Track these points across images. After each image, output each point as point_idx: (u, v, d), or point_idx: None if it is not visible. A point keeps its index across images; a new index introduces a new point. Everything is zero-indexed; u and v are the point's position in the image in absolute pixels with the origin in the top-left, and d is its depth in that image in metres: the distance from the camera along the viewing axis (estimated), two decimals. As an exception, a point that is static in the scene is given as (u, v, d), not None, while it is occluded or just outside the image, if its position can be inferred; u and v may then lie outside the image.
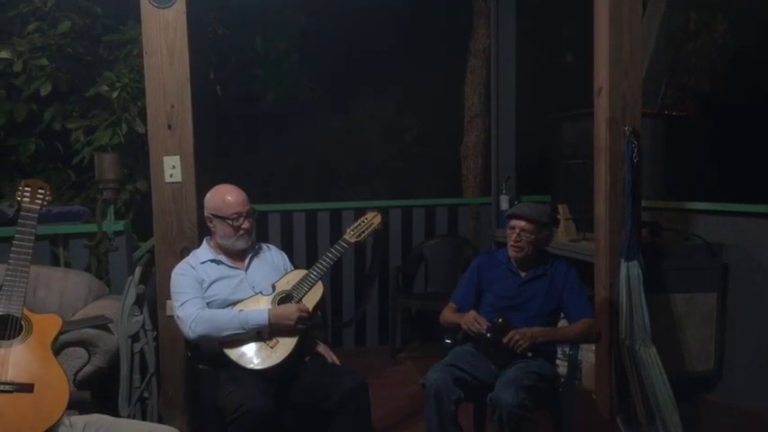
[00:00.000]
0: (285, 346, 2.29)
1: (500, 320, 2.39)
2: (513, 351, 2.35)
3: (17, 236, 1.94)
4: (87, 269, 3.19)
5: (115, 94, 4.17)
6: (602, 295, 3.05)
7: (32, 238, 1.97)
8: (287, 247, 4.23)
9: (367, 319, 4.45)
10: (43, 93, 4.16)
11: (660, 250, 3.25)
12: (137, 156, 4.38)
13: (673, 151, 3.81)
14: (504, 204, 4.31)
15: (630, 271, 2.90)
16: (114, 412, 2.49)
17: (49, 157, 4.56)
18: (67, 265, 3.18)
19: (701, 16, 4.72)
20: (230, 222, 2.39)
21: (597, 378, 3.15)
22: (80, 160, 4.26)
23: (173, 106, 2.64)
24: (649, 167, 3.33)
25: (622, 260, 2.91)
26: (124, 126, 4.19)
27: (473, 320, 2.40)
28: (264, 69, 5.35)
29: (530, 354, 2.39)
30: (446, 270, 4.34)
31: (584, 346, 3.04)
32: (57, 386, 1.69)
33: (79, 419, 1.84)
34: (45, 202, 2.07)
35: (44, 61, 4.16)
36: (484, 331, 2.37)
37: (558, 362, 2.90)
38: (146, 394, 2.59)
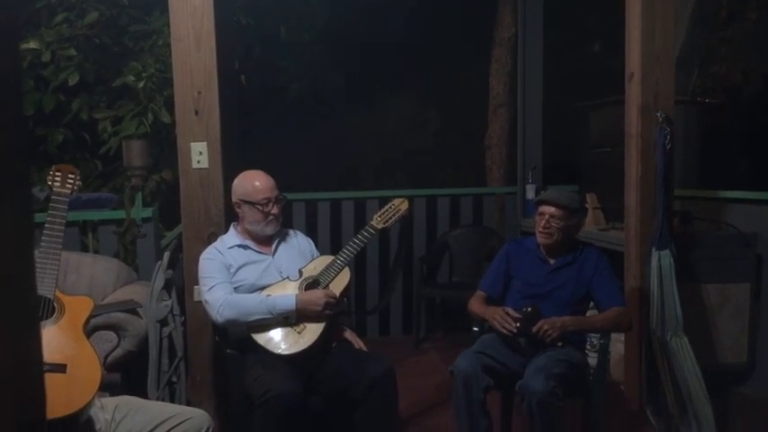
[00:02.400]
0: (312, 331, 2.29)
1: (529, 309, 2.35)
2: (542, 341, 2.31)
3: (48, 219, 1.95)
4: (115, 255, 3.21)
5: (141, 85, 4.21)
6: (631, 285, 3.00)
7: (63, 222, 1.98)
8: (311, 235, 4.22)
9: (391, 309, 4.44)
10: (71, 83, 4.21)
11: (692, 240, 3.18)
12: (162, 145, 4.41)
13: (705, 139, 3.73)
14: (531, 194, 4.27)
15: (662, 260, 2.84)
16: (143, 396, 2.50)
17: (77, 147, 4.61)
18: (96, 251, 3.21)
19: (732, 4, 4.62)
20: (260, 208, 2.38)
21: (626, 369, 3.10)
22: (107, 150, 4.31)
23: (200, 92, 2.64)
24: (681, 156, 3.27)
25: (654, 249, 2.85)
26: (150, 116, 4.22)
27: (501, 321, 2.35)
28: (288, 60, 5.36)
29: (560, 343, 2.35)
30: (471, 260, 4.31)
31: (612, 338, 3.00)
32: (89, 367, 1.70)
33: (110, 401, 1.85)
34: (75, 187, 2.09)
35: (72, 52, 4.21)
36: (515, 332, 2.32)
37: (586, 352, 2.85)
38: (174, 378, 2.60)
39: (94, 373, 1.69)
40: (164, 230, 3.86)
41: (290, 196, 4.25)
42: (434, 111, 7.01)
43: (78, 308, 1.83)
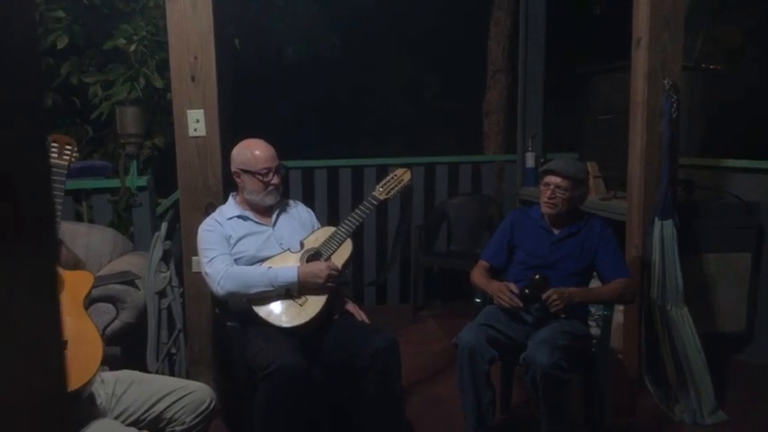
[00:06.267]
0: (314, 304, 2.26)
1: (537, 277, 2.33)
2: (547, 310, 2.29)
3: (44, 191, 1.89)
4: (110, 225, 3.16)
5: (132, 48, 4.09)
6: (633, 254, 2.98)
7: (62, 195, 1.92)
8: (308, 204, 4.16)
9: (388, 278, 4.42)
10: (60, 46, 4.08)
11: (694, 209, 3.16)
12: (154, 111, 4.31)
13: (708, 107, 3.67)
14: (530, 162, 4.22)
15: (665, 230, 2.83)
16: (142, 368, 2.48)
17: (68, 112, 4.50)
18: (90, 220, 3.15)
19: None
20: (260, 178, 2.33)
21: (625, 338, 3.10)
22: (98, 115, 4.20)
23: (196, 57, 2.56)
24: (684, 123, 3.22)
25: (656, 219, 2.84)
26: (142, 80, 4.11)
27: (509, 300, 2.32)
28: (284, 23, 5.22)
29: (563, 315, 2.33)
30: (469, 229, 4.28)
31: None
32: (90, 343, 1.66)
33: (110, 375, 1.83)
34: (73, 159, 2.02)
35: (60, 13, 4.08)
36: (522, 307, 2.31)
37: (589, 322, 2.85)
38: (173, 350, 2.58)
39: (96, 350, 1.65)
40: (158, 197, 3.80)
41: (287, 164, 4.19)
42: (432, 75, 6.90)
43: (78, 283, 1.79)
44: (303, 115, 5.97)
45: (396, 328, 3.94)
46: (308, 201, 4.20)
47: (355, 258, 4.22)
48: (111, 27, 4.22)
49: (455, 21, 6.11)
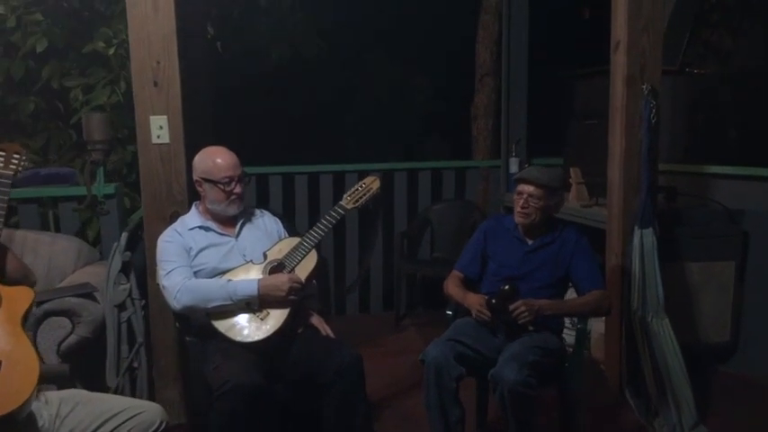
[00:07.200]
0: (276, 317, 2.18)
1: (506, 287, 2.25)
2: (515, 321, 2.22)
3: (-15, 201, 1.82)
4: (78, 234, 3.08)
5: (112, 51, 4.03)
6: (613, 263, 2.91)
7: (5, 205, 1.85)
8: (288, 210, 4.10)
9: (371, 285, 4.35)
10: (39, 49, 4.02)
11: (676, 217, 3.09)
12: (137, 116, 4.24)
13: (693, 111, 3.60)
14: (514, 167, 4.15)
15: (644, 239, 2.76)
16: (101, 384, 2.41)
17: (50, 117, 4.44)
18: (57, 228, 3.08)
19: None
20: (222, 187, 2.25)
21: (606, 349, 3.03)
22: (79, 119, 4.14)
23: (158, 62, 2.49)
24: (668, 128, 3.15)
25: (636, 227, 2.77)
26: (123, 84, 4.05)
27: (480, 311, 2.25)
28: (268, 25, 5.14)
29: (531, 327, 2.26)
30: (452, 235, 4.21)
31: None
32: (25, 363, 1.59)
33: (55, 395, 1.75)
34: (20, 168, 1.96)
35: (39, 16, 4.03)
36: (489, 316, 2.24)
37: (566, 331, 2.77)
38: (135, 364, 2.51)
39: (31, 370, 1.57)
40: (140, 203, 3.72)
41: (266, 169, 4.12)
42: (422, 78, 6.84)
43: (16, 298, 1.71)
44: (287, 119, 5.89)
45: (377, 337, 3.88)
46: (288, 207, 4.14)
47: (337, 263, 4.20)
48: (91, 30, 4.16)
49: (445, 24, 6.04)
